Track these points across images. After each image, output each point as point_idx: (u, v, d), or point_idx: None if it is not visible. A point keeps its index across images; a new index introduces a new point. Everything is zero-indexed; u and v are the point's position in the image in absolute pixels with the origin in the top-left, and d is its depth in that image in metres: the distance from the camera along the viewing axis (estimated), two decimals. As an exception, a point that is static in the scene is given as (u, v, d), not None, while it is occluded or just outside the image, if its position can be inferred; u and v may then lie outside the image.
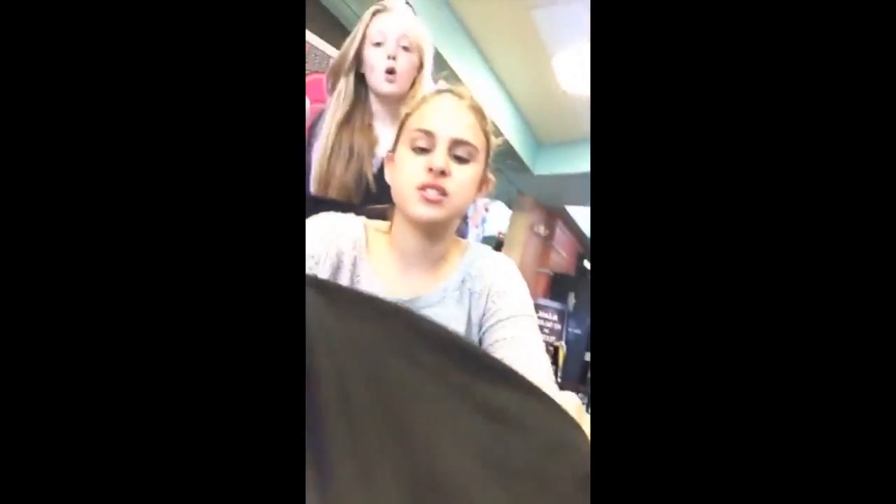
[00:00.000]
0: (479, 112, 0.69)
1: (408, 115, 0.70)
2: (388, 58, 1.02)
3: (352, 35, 1.05)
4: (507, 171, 4.38)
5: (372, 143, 1.03)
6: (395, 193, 0.68)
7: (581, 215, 5.67)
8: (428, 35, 1.08)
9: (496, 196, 5.04)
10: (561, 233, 5.75)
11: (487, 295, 0.70)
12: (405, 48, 1.03)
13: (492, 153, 0.71)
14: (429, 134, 0.65)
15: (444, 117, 0.66)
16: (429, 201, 0.64)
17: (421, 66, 1.07)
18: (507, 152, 4.15)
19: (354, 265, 0.68)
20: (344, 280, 0.67)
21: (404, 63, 1.03)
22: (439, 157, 0.63)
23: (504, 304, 0.69)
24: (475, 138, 0.67)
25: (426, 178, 0.64)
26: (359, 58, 1.05)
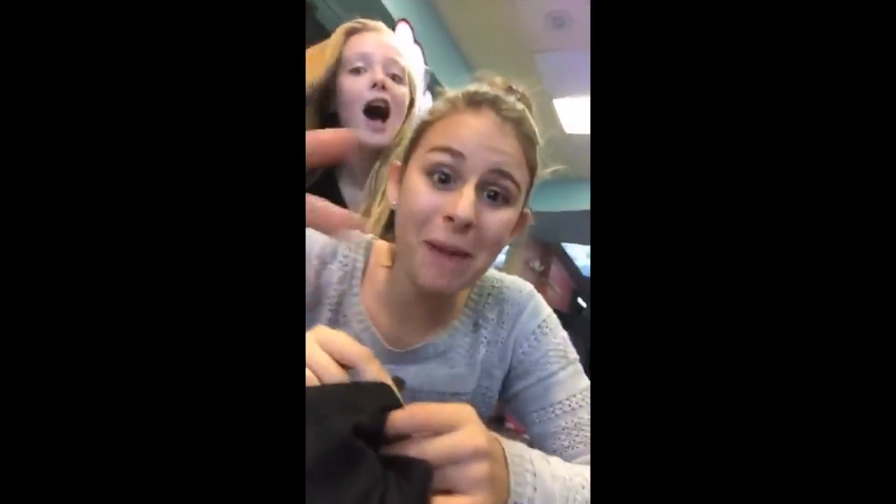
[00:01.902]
0: (528, 139, 0.49)
1: (428, 123, 0.50)
2: (374, 86, 0.74)
3: (319, 58, 0.75)
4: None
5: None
6: (399, 233, 0.50)
7: (576, 252, 5.71)
8: (421, 63, 0.86)
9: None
10: (556, 269, 5.77)
11: (515, 342, 0.56)
12: (394, 77, 0.77)
13: (535, 188, 0.52)
14: (456, 155, 0.46)
15: (482, 139, 0.46)
16: (442, 267, 0.46)
17: (412, 104, 0.80)
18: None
19: (340, 303, 0.54)
20: (320, 320, 0.53)
21: (396, 97, 0.75)
22: (466, 204, 0.44)
23: (542, 342, 0.55)
24: (518, 172, 0.48)
25: (442, 233, 0.45)
26: (327, 90, 0.76)
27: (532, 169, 0.50)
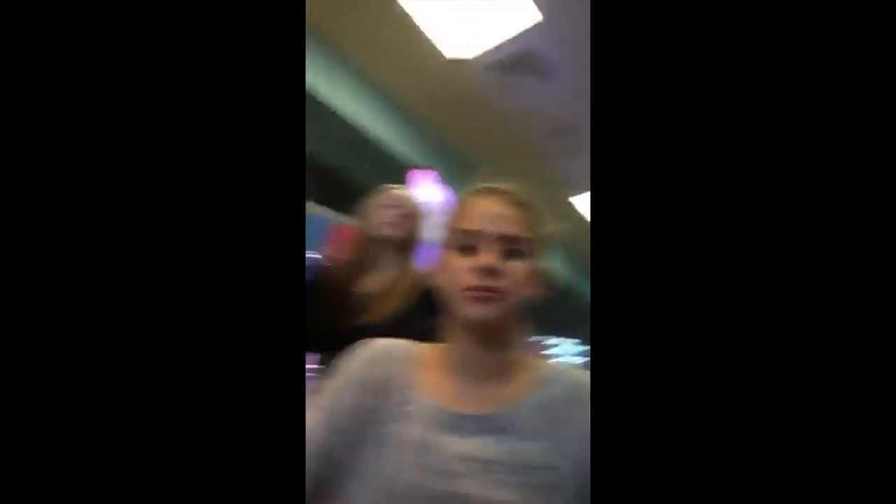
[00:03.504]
0: (526, 206, 0.62)
1: (450, 216, 0.65)
2: (392, 215, 1.20)
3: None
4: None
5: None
6: (445, 298, 0.62)
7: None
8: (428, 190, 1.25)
9: (559, 332, 4.97)
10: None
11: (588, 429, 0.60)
12: (409, 215, 1.23)
13: (546, 246, 0.64)
14: (474, 234, 0.59)
15: (488, 214, 0.60)
16: (482, 301, 0.57)
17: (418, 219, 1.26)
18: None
19: (404, 387, 0.61)
20: (392, 404, 0.60)
21: (409, 224, 1.21)
22: (488, 256, 0.57)
23: None
24: (525, 231, 0.60)
25: (476, 280, 0.57)
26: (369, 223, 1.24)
27: (535, 229, 0.63)
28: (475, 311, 0.57)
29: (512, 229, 0.59)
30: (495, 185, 0.65)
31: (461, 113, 3.02)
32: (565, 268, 4.76)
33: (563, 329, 4.81)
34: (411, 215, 1.22)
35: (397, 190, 1.29)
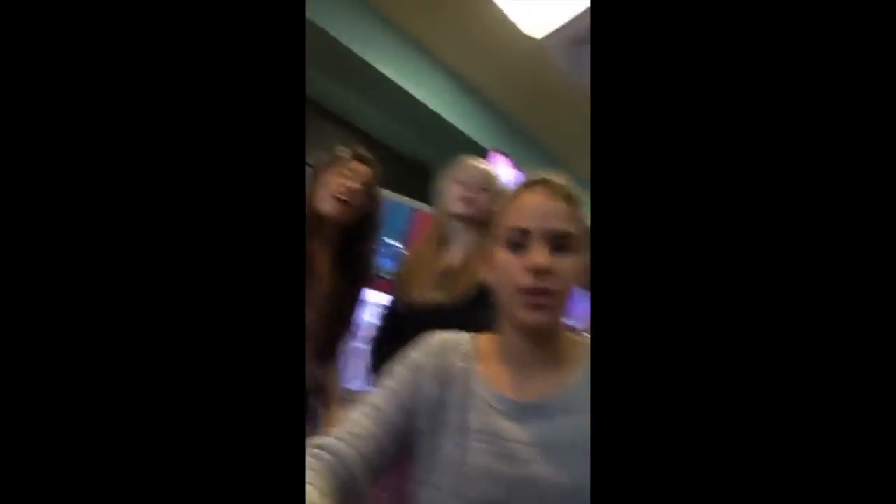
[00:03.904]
0: (573, 199, 0.64)
1: (498, 213, 0.67)
2: (467, 190, 1.17)
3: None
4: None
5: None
6: (498, 296, 0.65)
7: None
8: (503, 173, 1.19)
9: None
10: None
11: None
12: (483, 189, 1.18)
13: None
14: (524, 231, 0.61)
15: (538, 210, 0.62)
16: (535, 306, 0.59)
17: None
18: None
19: (467, 377, 0.65)
20: (456, 393, 0.63)
21: (483, 199, 1.16)
22: (540, 256, 0.59)
23: None
24: (573, 226, 0.62)
25: (528, 280, 0.59)
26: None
27: (583, 222, 0.64)
28: (531, 318, 0.59)
29: (561, 225, 0.61)
30: (543, 177, 0.66)
31: (541, 95, 2.97)
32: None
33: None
34: (486, 190, 1.18)
35: (472, 162, 1.24)
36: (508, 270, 0.61)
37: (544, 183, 0.65)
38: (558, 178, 0.66)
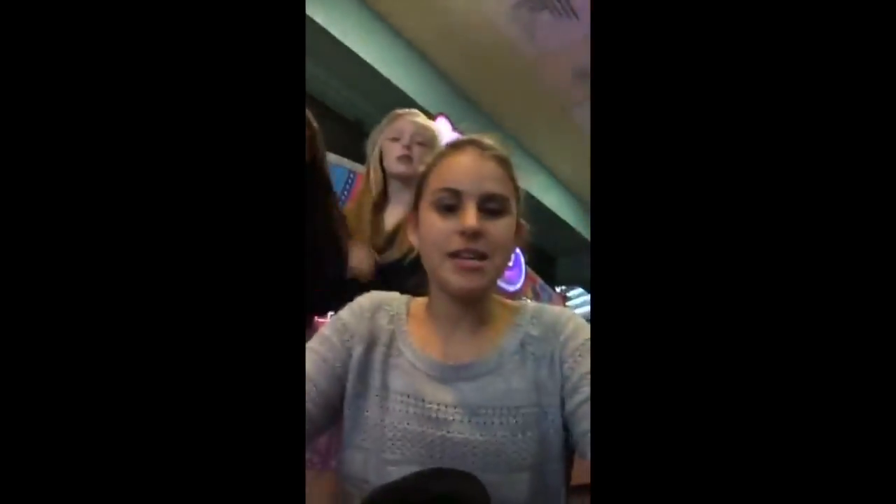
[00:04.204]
0: (504, 161, 0.62)
1: (426, 172, 0.64)
2: (403, 148, 1.14)
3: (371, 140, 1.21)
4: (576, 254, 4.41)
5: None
6: (426, 260, 0.62)
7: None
8: (442, 133, 1.15)
9: (570, 281, 4.99)
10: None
11: (560, 358, 0.60)
12: (420, 143, 1.15)
13: (521, 200, 0.65)
14: (454, 192, 0.59)
15: (469, 172, 0.60)
16: (466, 269, 0.57)
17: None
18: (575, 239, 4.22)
19: (391, 340, 0.63)
20: (377, 357, 0.62)
21: (418, 153, 1.13)
22: (471, 218, 0.57)
23: (585, 361, 0.59)
24: (505, 188, 0.60)
25: (459, 244, 0.57)
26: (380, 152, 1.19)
27: (514, 182, 0.63)
28: (460, 282, 0.57)
29: (492, 187, 0.59)
30: (473, 137, 0.64)
31: (486, 58, 2.94)
32: (583, 221, 4.72)
33: (581, 278, 4.83)
34: (423, 145, 1.15)
35: (408, 116, 1.19)
36: (438, 233, 0.59)
37: (474, 143, 0.63)
38: (489, 139, 0.64)
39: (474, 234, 0.57)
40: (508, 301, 0.68)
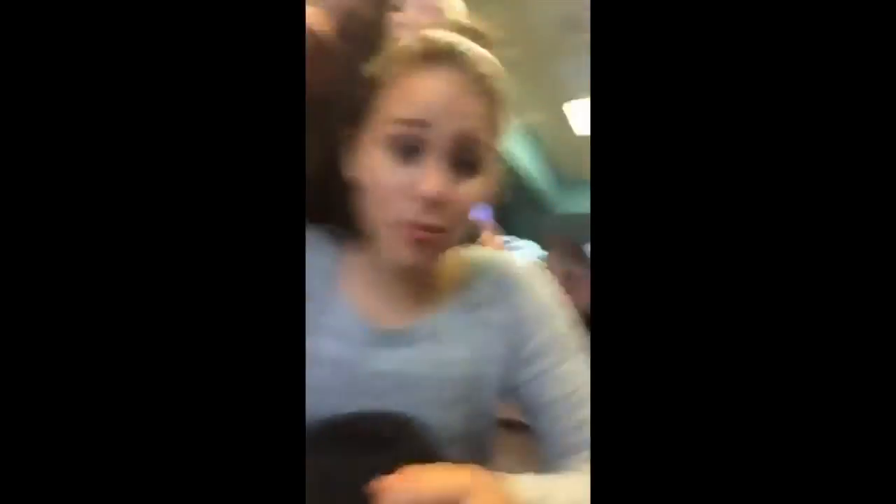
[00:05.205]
0: (495, 94, 0.44)
1: (381, 85, 0.45)
2: None
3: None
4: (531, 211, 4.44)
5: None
6: (370, 213, 0.47)
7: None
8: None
9: (524, 236, 5.06)
10: (583, 271, 5.69)
11: (516, 324, 0.52)
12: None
13: (502, 151, 0.49)
14: (419, 125, 0.42)
15: (441, 100, 0.42)
16: (418, 244, 0.44)
17: None
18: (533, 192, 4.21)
19: (323, 297, 0.52)
20: (311, 314, 0.48)
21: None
22: (434, 179, 0.42)
23: (542, 329, 0.52)
24: (486, 135, 0.44)
25: (412, 213, 0.43)
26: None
27: (500, 127, 0.46)
28: (407, 257, 0.44)
29: (470, 126, 0.42)
30: (455, 46, 0.42)
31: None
32: (543, 176, 4.71)
33: (529, 232, 4.90)
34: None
35: None
36: (387, 189, 0.43)
37: (455, 59, 0.42)
38: (477, 48, 0.44)
39: (434, 204, 0.42)
40: (459, 254, 0.56)
